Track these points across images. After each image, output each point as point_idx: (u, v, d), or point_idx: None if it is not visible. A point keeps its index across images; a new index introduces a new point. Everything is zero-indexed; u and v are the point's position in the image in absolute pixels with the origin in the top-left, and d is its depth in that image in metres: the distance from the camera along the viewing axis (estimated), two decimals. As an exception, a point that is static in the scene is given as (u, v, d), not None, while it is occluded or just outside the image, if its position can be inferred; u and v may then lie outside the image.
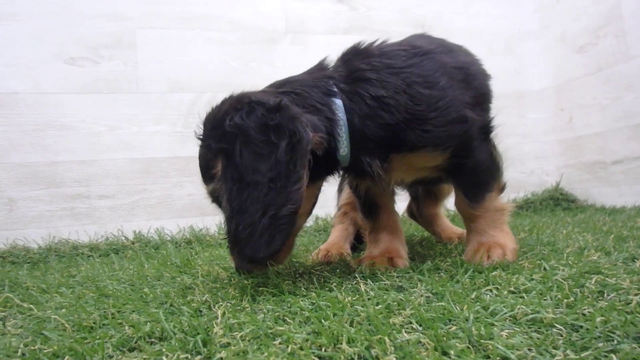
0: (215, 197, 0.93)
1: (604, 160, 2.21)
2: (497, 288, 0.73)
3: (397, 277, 0.90)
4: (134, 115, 2.06)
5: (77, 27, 2.02)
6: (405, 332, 0.55)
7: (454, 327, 0.56)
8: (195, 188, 2.12)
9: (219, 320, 0.63)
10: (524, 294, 0.70)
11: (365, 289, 0.80)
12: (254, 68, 2.25)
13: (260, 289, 0.86)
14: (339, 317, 0.62)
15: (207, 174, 0.91)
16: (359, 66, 0.95)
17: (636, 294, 0.66)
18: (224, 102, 0.93)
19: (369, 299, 0.74)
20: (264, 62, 2.26)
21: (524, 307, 0.61)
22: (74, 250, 1.78)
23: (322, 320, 0.59)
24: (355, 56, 0.98)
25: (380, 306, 0.67)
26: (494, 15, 2.62)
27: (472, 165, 1.00)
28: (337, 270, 1.03)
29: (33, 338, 0.63)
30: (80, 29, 2.02)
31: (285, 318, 0.65)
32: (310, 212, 1.02)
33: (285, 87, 0.95)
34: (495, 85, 1.13)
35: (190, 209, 2.12)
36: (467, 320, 0.58)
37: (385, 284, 0.84)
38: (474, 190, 1.03)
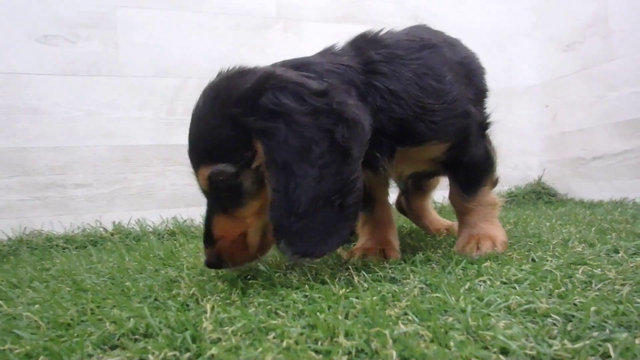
0: (215, 181, 0.81)
1: (585, 157, 2.25)
2: (490, 279, 0.73)
3: (390, 268, 0.88)
4: (114, 100, 1.99)
5: (52, 4, 1.92)
6: (402, 324, 0.54)
7: (451, 318, 0.55)
8: (179, 178, 2.07)
9: (208, 315, 0.61)
10: (515, 285, 0.69)
11: (358, 281, 0.78)
12: (244, 55, 2.18)
13: (250, 281, 0.84)
14: (334, 310, 0.60)
15: (217, 152, 0.80)
16: (373, 57, 0.92)
17: (622, 285, 0.67)
18: (245, 73, 0.83)
19: (363, 291, 0.72)
20: (254, 48, 2.20)
21: (518, 297, 0.60)
22: (47, 242, 1.71)
23: (318, 314, 0.58)
24: (366, 45, 0.95)
25: (375, 298, 0.66)
26: (487, 12, 2.62)
27: (468, 159, 1.01)
28: (329, 262, 1.02)
29: (3, 337, 0.59)
30: (56, 7, 1.92)
31: (277, 311, 0.63)
32: None
33: (305, 69, 0.86)
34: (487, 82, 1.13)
35: (173, 200, 2.07)
36: (463, 311, 0.57)
37: (378, 276, 0.83)
38: (469, 184, 1.04)
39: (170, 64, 2.09)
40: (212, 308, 0.65)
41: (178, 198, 2.08)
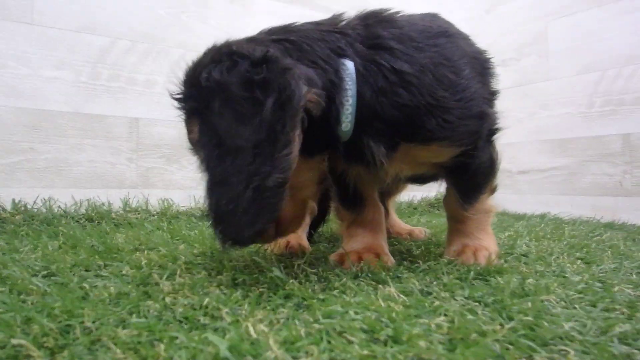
0: None
1: (511, 170, 2.41)
2: (553, 298, 0.66)
3: (408, 277, 0.80)
4: (24, 52, 1.62)
5: None
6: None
7: (572, 351, 0.47)
8: (99, 153, 1.76)
9: (270, 342, 0.45)
10: (577, 306, 0.63)
11: (391, 292, 0.68)
12: (184, 21, 1.93)
13: (261, 289, 0.69)
14: (420, 335, 0.49)
15: (189, 140, 0.81)
16: (381, 33, 0.83)
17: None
18: (205, 54, 0.79)
19: (406, 307, 0.62)
20: (196, 16, 1.96)
21: (622, 325, 0.54)
22: None
23: (414, 341, 0.46)
24: (377, 22, 0.85)
25: (441, 318, 0.56)
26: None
27: (475, 166, 0.94)
28: (322, 266, 0.89)
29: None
30: None
31: (345, 335, 0.50)
32: (318, 187, 0.89)
33: (280, 35, 0.80)
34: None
35: (90, 179, 1.75)
36: (594, 344, 0.48)
37: (402, 287, 0.73)
38: (470, 192, 0.98)
39: (97, 20, 1.76)
40: (253, 327, 0.50)
41: (96, 177, 1.77)
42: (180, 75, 0.81)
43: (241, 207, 0.66)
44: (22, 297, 0.63)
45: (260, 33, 0.84)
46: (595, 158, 2.01)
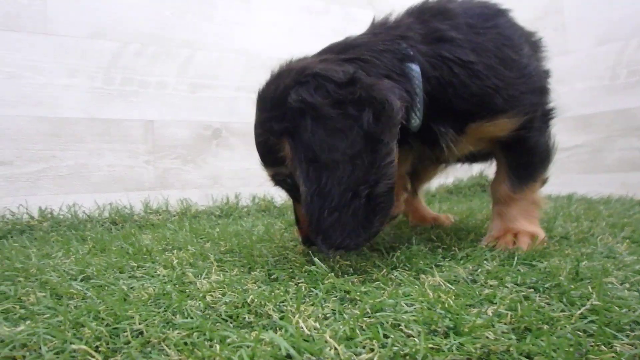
0: (278, 180, 0.86)
1: (532, 150, 2.34)
2: (605, 281, 0.62)
3: (449, 265, 0.77)
4: (40, 62, 1.62)
5: None
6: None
7: None
8: (117, 157, 1.76)
9: (328, 339, 0.44)
10: None
11: (437, 282, 0.66)
12: (190, 21, 1.91)
13: (299, 284, 0.67)
14: (485, 325, 0.47)
15: (269, 158, 0.84)
16: (439, 26, 0.84)
17: None
18: (281, 75, 0.83)
19: (458, 295, 0.60)
20: (201, 15, 1.94)
21: None
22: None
23: (480, 332, 0.44)
24: (433, 16, 0.86)
25: (497, 306, 0.53)
26: None
27: (532, 142, 0.93)
28: (355, 258, 0.88)
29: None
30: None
31: (401, 328, 0.48)
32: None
33: (349, 54, 0.82)
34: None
35: (110, 183, 1.76)
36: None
37: (446, 275, 0.70)
38: (522, 172, 0.96)
39: (107, 25, 1.75)
40: (304, 323, 0.48)
41: (116, 181, 1.77)
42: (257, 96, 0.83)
43: (349, 215, 0.70)
44: (63, 300, 0.62)
45: (326, 51, 0.86)
46: (623, 132, 1.93)
